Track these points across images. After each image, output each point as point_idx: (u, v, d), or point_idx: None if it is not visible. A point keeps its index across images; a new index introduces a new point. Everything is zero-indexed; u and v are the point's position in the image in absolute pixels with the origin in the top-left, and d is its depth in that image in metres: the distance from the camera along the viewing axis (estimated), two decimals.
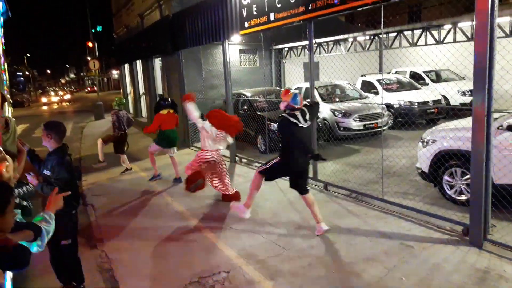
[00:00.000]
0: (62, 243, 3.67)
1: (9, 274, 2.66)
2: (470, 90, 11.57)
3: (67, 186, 3.50)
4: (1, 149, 2.74)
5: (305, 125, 4.78)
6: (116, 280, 4.23)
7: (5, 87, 8.56)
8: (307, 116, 4.81)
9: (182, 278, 4.11)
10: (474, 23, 4.11)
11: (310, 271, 4.11)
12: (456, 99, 11.89)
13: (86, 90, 75.32)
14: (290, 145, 4.84)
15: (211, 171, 6.18)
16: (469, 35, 10.85)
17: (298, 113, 4.74)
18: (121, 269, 4.47)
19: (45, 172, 3.62)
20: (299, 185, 4.97)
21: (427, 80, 13.18)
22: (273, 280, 3.98)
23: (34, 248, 2.36)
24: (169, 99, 8.24)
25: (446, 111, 11.44)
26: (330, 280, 3.90)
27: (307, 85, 9.10)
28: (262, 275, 4.07)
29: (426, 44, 11.68)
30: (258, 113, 9.85)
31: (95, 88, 70.37)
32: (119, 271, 4.44)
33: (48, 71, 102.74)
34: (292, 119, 4.72)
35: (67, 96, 46.31)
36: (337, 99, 11.03)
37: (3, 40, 5.76)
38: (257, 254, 4.54)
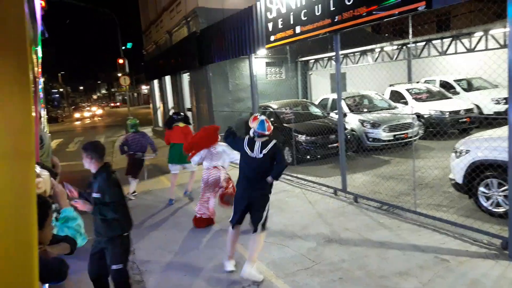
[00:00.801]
0: (112, 267, 3.55)
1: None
2: (505, 98, 11.20)
3: (120, 205, 3.52)
4: (37, 166, 2.81)
5: (257, 156, 4.32)
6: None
7: (41, 104, 8.93)
8: (267, 149, 4.31)
9: None
10: (507, 29, 4.00)
11: (341, 285, 4.02)
12: (489, 108, 11.49)
13: (110, 105, 77.15)
14: (239, 170, 4.54)
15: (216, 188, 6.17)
16: (501, 42, 10.54)
17: (258, 142, 4.36)
18: (152, 281, 4.52)
19: (95, 195, 3.47)
20: (252, 218, 4.39)
21: (458, 89, 12.83)
22: None
23: (78, 240, 2.44)
24: (181, 113, 8.13)
25: (479, 121, 11.08)
26: None
27: (334, 96, 9.05)
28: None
29: (456, 52, 11.42)
30: (285, 125, 9.85)
31: (118, 104, 72.25)
32: (149, 282, 4.49)
33: (81, 88, 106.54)
34: (245, 145, 4.42)
35: (99, 111, 47.80)
36: (365, 110, 10.89)
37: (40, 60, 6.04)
38: (286, 267, 4.49)
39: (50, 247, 2.14)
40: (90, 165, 3.58)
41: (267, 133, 4.36)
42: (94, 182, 3.52)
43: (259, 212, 4.33)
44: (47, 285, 2.80)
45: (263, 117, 4.44)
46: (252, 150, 4.36)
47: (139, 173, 8.21)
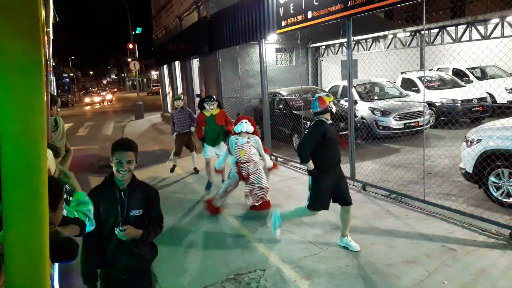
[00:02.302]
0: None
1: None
2: None
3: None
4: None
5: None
6: (155, 275, 4.34)
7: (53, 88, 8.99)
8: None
9: (218, 275, 4.17)
10: None
11: (347, 272, 4.04)
12: (503, 97, 11.31)
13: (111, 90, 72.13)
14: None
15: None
16: None
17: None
18: (160, 265, 4.58)
19: (134, 213, 2.63)
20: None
21: (471, 77, 12.62)
22: (309, 280, 3.95)
23: (88, 227, 2.44)
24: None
25: (492, 109, 10.91)
26: (368, 282, 3.83)
27: (345, 83, 8.97)
28: (298, 275, 4.05)
29: (470, 39, 11.19)
30: (294, 112, 9.81)
31: (115, 90, 70.06)
32: (157, 266, 4.55)
33: (91, 72, 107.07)
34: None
35: (109, 96, 47.91)
36: (376, 97, 10.78)
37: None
38: (293, 254, 4.52)
39: (61, 228, 2.18)
40: (130, 172, 2.61)
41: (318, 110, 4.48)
42: (133, 195, 2.65)
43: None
44: (57, 264, 2.86)
45: (317, 95, 4.64)
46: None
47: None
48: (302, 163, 4.55)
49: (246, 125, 5.73)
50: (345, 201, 4.49)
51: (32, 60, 1.11)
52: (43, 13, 2.38)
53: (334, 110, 4.50)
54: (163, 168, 9.10)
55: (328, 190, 4.40)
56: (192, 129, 8.37)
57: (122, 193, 2.61)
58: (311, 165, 4.34)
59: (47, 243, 1.31)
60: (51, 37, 4.55)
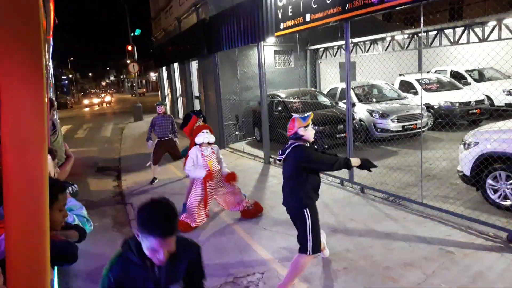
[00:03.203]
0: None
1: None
2: None
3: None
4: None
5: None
6: None
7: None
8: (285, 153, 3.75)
9: (217, 278, 4.17)
10: None
11: (345, 275, 4.06)
12: (500, 100, 11.34)
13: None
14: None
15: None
16: None
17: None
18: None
19: None
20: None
21: (469, 79, 12.66)
22: (308, 283, 3.97)
23: (87, 227, 2.48)
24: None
25: (489, 112, 10.95)
26: (365, 285, 3.84)
27: (343, 85, 9.00)
28: (297, 278, 4.06)
29: (468, 42, 11.23)
30: (293, 114, 9.82)
31: (109, 91, 69.05)
32: None
33: (90, 74, 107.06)
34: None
35: (108, 98, 47.87)
36: (374, 100, 10.82)
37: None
38: (291, 256, 4.51)
39: (59, 232, 2.18)
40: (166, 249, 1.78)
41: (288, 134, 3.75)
42: (170, 268, 1.89)
43: (298, 230, 3.78)
44: (56, 269, 2.87)
45: (294, 115, 3.85)
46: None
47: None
48: (349, 167, 3.90)
49: (208, 136, 5.63)
50: None
51: (34, 67, 1.13)
52: (44, 21, 2.40)
53: (310, 139, 3.70)
54: (162, 170, 9.11)
55: None
56: (176, 139, 8.29)
57: (156, 267, 1.85)
58: (354, 160, 3.84)
59: (47, 249, 1.32)
60: (51, 43, 4.57)
